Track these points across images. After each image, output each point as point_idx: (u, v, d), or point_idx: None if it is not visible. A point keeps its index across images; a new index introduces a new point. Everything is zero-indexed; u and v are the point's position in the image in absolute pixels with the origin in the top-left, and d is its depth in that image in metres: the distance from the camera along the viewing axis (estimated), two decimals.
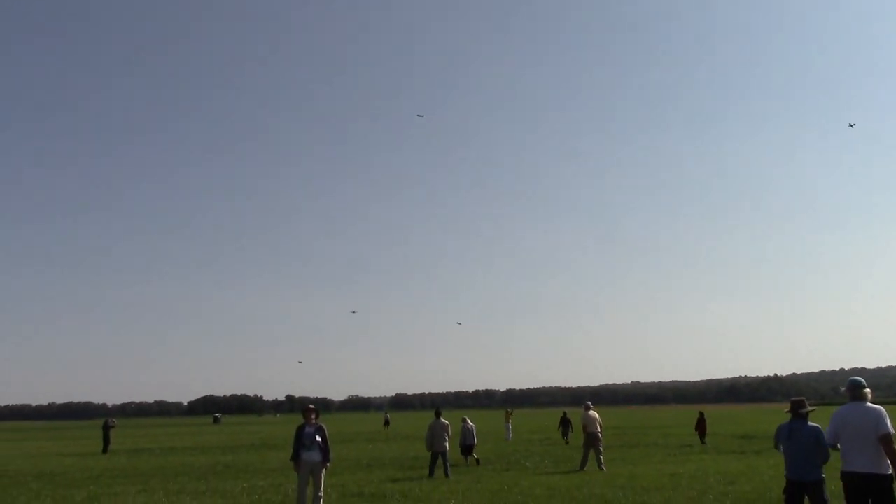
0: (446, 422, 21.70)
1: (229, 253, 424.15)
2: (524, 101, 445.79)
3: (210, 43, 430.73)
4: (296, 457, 14.08)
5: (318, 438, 14.05)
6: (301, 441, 14.02)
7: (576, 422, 36.28)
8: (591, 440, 21.91)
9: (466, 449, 25.46)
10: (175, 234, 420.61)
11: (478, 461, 25.22)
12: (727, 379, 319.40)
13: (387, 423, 70.36)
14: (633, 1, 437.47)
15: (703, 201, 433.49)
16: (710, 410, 69.52)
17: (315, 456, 14.00)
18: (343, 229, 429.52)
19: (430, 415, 23.91)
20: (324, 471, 14.25)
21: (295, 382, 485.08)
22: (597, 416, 22.15)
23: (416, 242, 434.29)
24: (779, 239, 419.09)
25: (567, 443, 37.26)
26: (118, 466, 29.36)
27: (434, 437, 21.42)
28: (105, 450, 39.70)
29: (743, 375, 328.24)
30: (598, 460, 21.95)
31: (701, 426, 35.28)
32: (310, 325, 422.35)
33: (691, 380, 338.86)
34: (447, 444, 21.46)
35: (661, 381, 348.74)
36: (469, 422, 25.82)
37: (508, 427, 45.45)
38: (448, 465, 21.31)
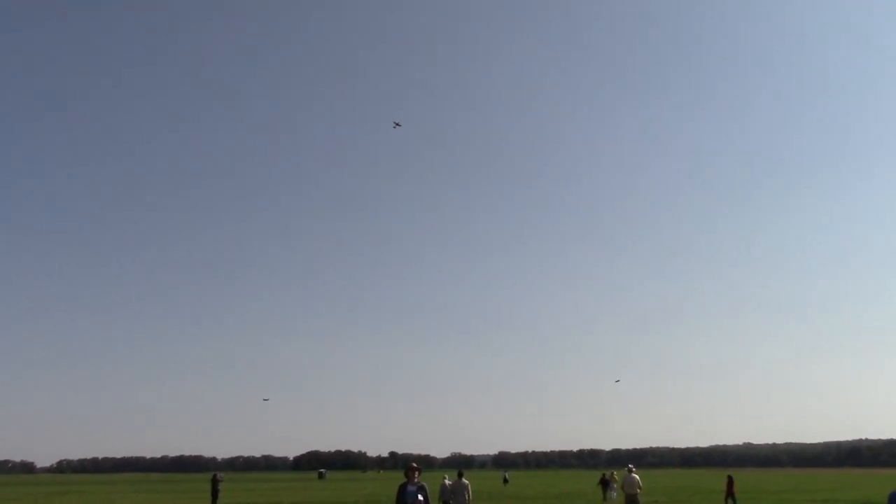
0: (467, 482, 23.54)
1: (333, 311, 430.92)
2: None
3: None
4: None
5: (420, 497, 14.15)
6: (403, 500, 14.14)
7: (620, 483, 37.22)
8: (630, 501, 24.62)
9: None
10: (284, 293, 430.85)
11: None
12: (848, 441, 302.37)
13: (505, 480, 76.13)
14: None
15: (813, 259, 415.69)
16: (828, 474, 66.22)
17: None
18: (448, 286, 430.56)
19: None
20: None
21: (398, 439, 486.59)
22: (637, 478, 25.01)
23: (517, 299, 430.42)
24: None
25: (604, 500, 42.51)
26: None
27: (455, 494, 23.40)
28: (213, 503, 40.62)
29: (865, 438, 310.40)
30: None
31: (729, 489, 36.41)
32: (413, 381, 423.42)
33: (808, 441, 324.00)
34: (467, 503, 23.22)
35: (775, 443, 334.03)
36: (464, 479, 24.08)
37: (613, 486, 44.05)
38: None
